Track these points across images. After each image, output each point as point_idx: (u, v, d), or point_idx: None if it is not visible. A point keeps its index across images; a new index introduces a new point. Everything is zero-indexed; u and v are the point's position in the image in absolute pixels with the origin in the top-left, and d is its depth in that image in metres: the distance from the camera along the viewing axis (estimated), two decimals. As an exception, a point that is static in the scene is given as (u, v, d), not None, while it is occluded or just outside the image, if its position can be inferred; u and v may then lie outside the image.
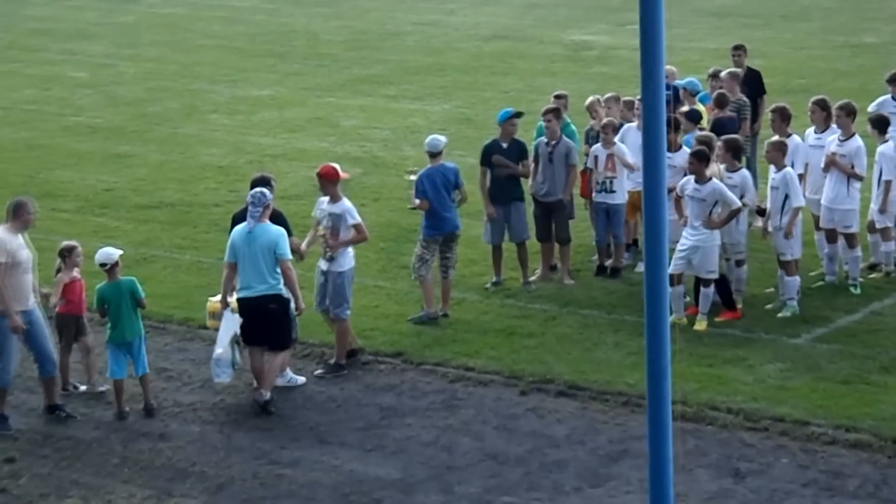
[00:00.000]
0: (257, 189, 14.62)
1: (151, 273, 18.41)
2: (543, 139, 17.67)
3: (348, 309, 15.38)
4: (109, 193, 22.08)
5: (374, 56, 32.37)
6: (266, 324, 14.39)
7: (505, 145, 17.48)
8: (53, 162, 23.93)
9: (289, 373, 15.10)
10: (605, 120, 18.02)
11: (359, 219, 15.43)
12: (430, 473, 13.15)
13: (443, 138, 17.08)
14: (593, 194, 17.93)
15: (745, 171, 16.58)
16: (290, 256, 14.48)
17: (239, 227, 14.57)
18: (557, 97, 18.67)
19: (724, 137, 16.83)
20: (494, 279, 17.68)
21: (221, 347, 14.49)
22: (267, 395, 14.47)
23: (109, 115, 27.17)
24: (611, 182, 17.69)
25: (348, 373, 15.32)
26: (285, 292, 14.45)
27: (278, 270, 14.36)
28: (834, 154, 16.95)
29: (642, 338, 8.06)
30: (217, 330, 15.07)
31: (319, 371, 15.33)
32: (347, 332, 15.44)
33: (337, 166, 15.68)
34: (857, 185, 17.05)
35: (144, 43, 34.47)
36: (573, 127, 18.25)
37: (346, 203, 15.50)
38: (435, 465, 13.30)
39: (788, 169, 16.48)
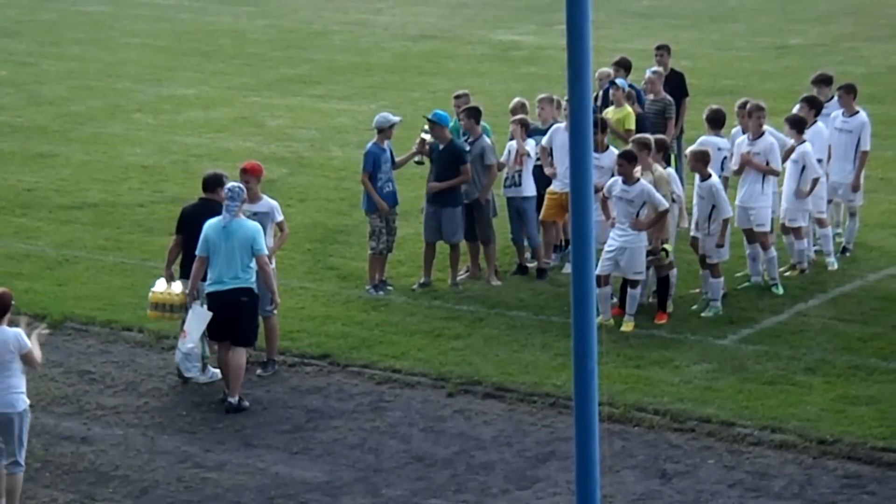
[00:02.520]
0: (235, 184, 14.61)
1: (74, 274, 18.19)
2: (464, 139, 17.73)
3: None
4: (31, 193, 21.79)
5: (301, 55, 32.22)
6: (235, 318, 14.36)
7: (441, 147, 17.43)
8: (-26, 161, 23.60)
9: (210, 369, 15.03)
10: (516, 116, 18.05)
11: (282, 215, 15.55)
12: (357, 476, 13.08)
13: (393, 117, 17.36)
14: (503, 190, 17.98)
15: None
16: (266, 252, 14.56)
17: (213, 222, 14.46)
18: (458, 97, 18.59)
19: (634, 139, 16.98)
20: (423, 280, 17.62)
21: (193, 342, 14.48)
22: (236, 399, 14.40)
23: (31, 114, 26.83)
24: (518, 175, 17.72)
25: (275, 374, 15.21)
26: (255, 288, 14.46)
27: (251, 266, 14.36)
28: (748, 153, 17.01)
29: (569, 339, 8.02)
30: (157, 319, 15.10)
31: (259, 371, 15.19)
32: (277, 327, 15.34)
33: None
34: (773, 182, 17.15)
35: (67, 41, 34.09)
36: (486, 125, 18.20)
37: (270, 200, 15.46)
38: (362, 468, 13.22)
39: (715, 179, 16.49)
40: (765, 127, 17.27)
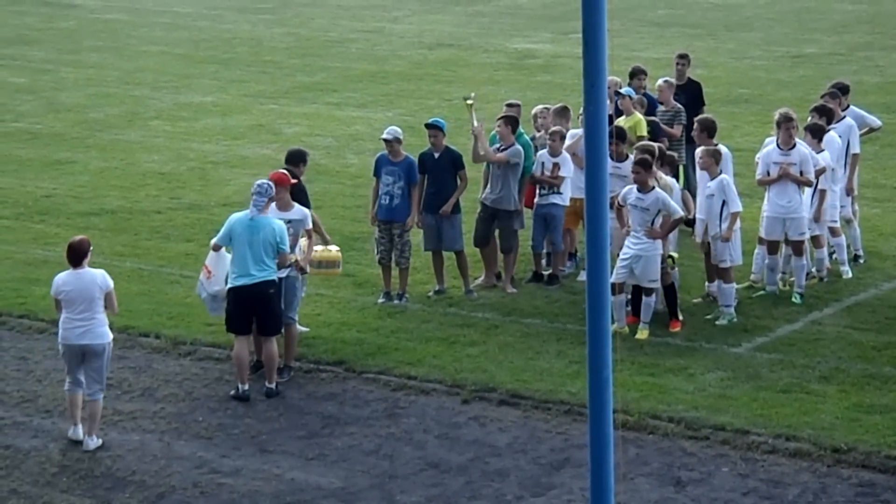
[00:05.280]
0: (264, 181, 15.08)
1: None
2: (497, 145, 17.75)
3: (296, 312, 15.51)
4: (49, 200, 21.90)
5: (318, 63, 32.29)
6: (265, 310, 14.81)
7: (437, 155, 17.47)
8: (-7, 168, 23.72)
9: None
10: (553, 128, 18.02)
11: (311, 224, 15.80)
12: (372, 482, 13.12)
13: (386, 132, 17.47)
14: (536, 198, 17.95)
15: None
16: (288, 250, 15.01)
17: (240, 216, 14.97)
18: (510, 105, 18.58)
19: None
20: (437, 287, 17.67)
21: (219, 284, 15.09)
22: (274, 385, 14.86)
23: (50, 122, 26.95)
24: (557, 186, 17.72)
25: (291, 381, 15.28)
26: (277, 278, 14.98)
27: (275, 259, 14.80)
28: (785, 164, 16.98)
29: (584, 347, 8.06)
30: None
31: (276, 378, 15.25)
32: (297, 334, 15.47)
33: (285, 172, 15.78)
34: (809, 190, 17.20)
35: (86, 48, 34.22)
36: (526, 137, 18.18)
37: (302, 208, 15.63)
38: (377, 474, 13.27)
39: (724, 176, 16.59)
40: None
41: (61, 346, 13.91)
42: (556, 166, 17.66)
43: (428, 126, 17.64)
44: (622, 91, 18.99)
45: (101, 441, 13.83)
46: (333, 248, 16.47)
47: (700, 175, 17.12)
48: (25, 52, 33.71)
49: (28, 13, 38.89)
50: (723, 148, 17.23)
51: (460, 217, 17.59)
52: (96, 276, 13.84)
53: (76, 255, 13.89)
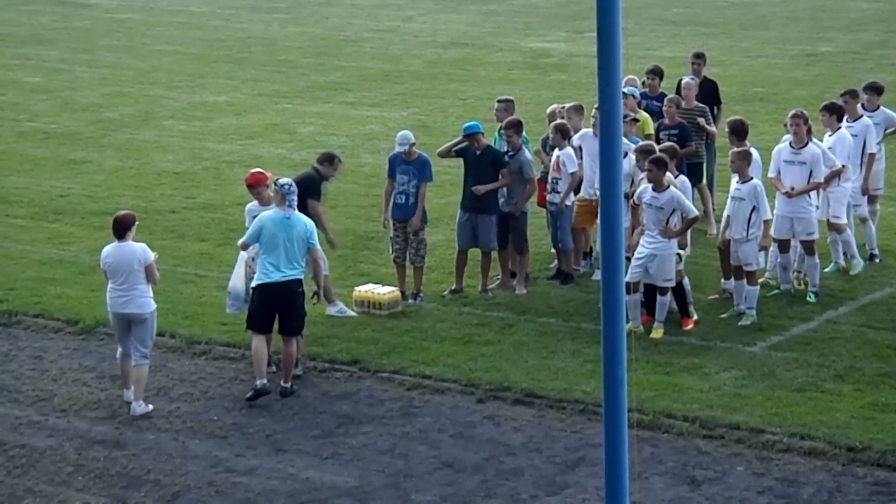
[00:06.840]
0: (287, 181, 15.16)
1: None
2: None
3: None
4: (64, 199, 21.94)
5: (332, 63, 32.32)
6: (291, 309, 14.87)
7: (478, 152, 17.43)
8: (7, 168, 23.76)
9: (339, 304, 16.67)
10: (555, 122, 18.01)
11: None
12: (387, 481, 13.13)
13: (399, 142, 17.46)
14: (546, 195, 17.98)
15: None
16: (319, 247, 15.15)
17: (273, 214, 14.98)
18: (501, 101, 18.55)
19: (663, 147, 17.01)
20: (454, 286, 17.67)
21: (231, 281, 15.37)
22: (289, 385, 14.87)
23: (65, 121, 27.01)
24: (556, 182, 17.71)
25: (305, 380, 15.29)
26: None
27: (305, 259, 14.91)
28: (799, 164, 17.00)
29: (599, 346, 8.05)
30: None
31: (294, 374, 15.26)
32: (304, 330, 15.48)
33: (261, 170, 15.97)
34: (818, 190, 17.21)
35: (100, 48, 34.29)
36: (525, 136, 18.19)
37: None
38: (391, 473, 13.28)
39: (757, 181, 16.53)
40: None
41: (110, 315, 14.75)
42: (559, 159, 17.64)
43: (466, 135, 17.49)
44: (626, 91, 18.98)
45: (150, 407, 14.54)
46: (386, 289, 16.97)
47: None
48: (40, 52, 33.79)
49: (43, 12, 38.96)
50: (753, 151, 17.21)
51: (496, 218, 17.51)
52: (136, 250, 14.54)
53: (120, 228, 14.64)
